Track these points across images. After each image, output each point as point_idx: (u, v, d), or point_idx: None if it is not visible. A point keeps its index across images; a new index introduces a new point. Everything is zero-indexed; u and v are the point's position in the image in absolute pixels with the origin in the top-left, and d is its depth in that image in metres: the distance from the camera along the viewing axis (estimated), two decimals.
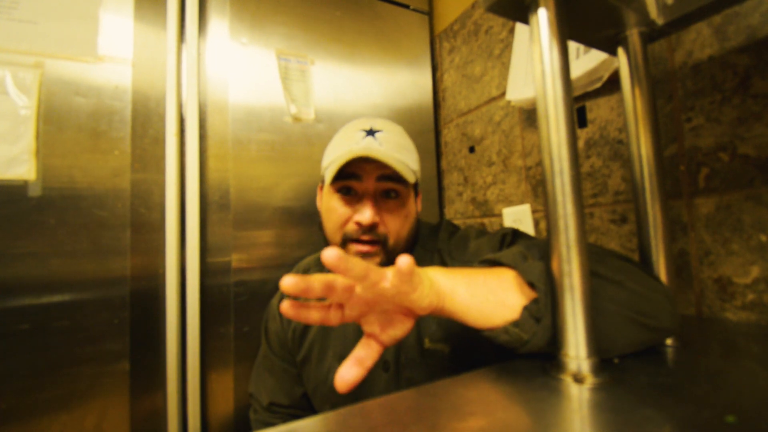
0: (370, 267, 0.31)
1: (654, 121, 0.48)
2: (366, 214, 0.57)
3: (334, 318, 0.34)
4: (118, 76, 0.76)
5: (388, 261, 0.60)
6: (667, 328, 0.41)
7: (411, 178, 0.59)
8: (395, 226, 0.60)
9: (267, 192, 0.89)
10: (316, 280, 0.30)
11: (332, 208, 0.61)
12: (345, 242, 0.60)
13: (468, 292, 0.38)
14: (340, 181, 0.60)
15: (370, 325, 0.37)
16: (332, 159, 0.61)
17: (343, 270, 0.29)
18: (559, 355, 0.36)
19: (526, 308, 0.37)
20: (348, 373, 0.34)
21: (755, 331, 0.49)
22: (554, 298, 0.36)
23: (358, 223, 0.58)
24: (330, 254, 0.28)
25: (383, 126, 0.64)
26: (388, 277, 0.32)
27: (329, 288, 0.31)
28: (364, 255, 0.59)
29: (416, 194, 0.68)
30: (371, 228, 0.58)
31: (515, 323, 0.37)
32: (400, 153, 0.61)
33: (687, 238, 0.59)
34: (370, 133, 0.61)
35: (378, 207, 0.59)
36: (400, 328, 0.37)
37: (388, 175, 0.59)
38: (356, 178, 0.59)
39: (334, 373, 0.64)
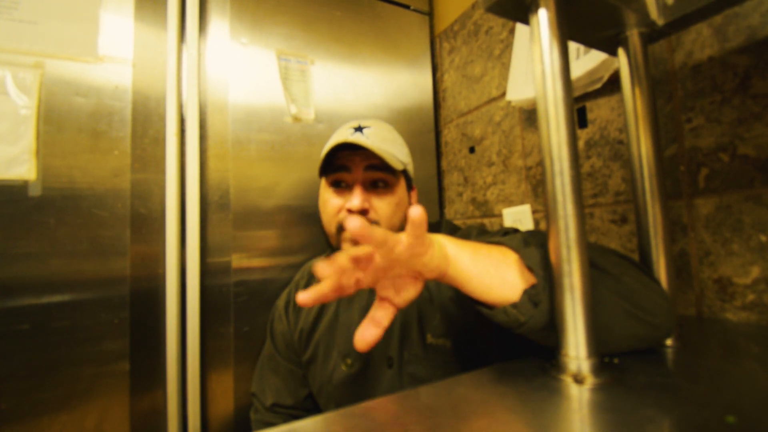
0: (387, 233, 0.33)
1: (654, 121, 0.48)
2: (355, 201, 0.62)
3: (348, 287, 0.35)
4: (118, 76, 0.76)
5: None
6: (664, 326, 0.41)
7: (398, 166, 0.64)
8: (386, 213, 0.64)
9: (267, 192, 0.89)
10: (343, 258, 0.33)
11: (326, 200, 0.66)
12: (339, 230, 0.64)
13: (471, 261, 0.39)
14: (331, 174, 0.65)
15: (385, 290, 0.38)
16: (322, 154, 0.66)
17: (367, 236, 0.31)
18: (559, 355, 0.36)
19: (526, 292, 0.38)
20: (367, 333, 0.36)
21: (755, 331, 0.49)
22: (552, 291, 0.37)
23: (349, 210, 0.62)
24: (354, 223, 0.30)
25: (371, 123, 0.68)
26: (403, 241, 0.34)
27: (356, 260, 0.34)
28: (357, 240, 0.61)
29: (409, 188, 0.71)
30: (361, 214, 0.62)
31: (514, 305, 0.38)
32: (386, 144, 0.65)
33: (687, 238, 0.59)
34: (358, 129, 0.66)
35: (368, 195, 0.64)
36: (412, 291, 0.38)
37: (376, 165, 0.64)
38: (346, 169, 0.64)
39: (338, 372, 0.65)
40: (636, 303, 0.38)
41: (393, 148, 0.65)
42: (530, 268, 0.39)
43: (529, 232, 0.46)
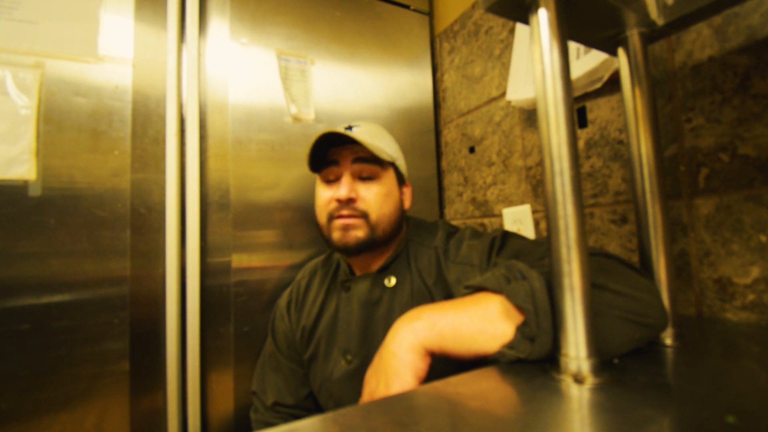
0: None
1: (654, 121, 0.48)
2: (342, 191, 0.64)
3: None
4: (118, 76, 0.76)
5: (373, 236, 0.65)
6: (659, 323, 0.41)
7: (384, 156, 0.66)
8: (375, 203, 0.66)
9: (267, 192, 0.88)
10: None
11: (318, 194, 0.70)
12: (330, 220, 0.66)
13: (455, 341, 0.40)
14: (323, 169, 0.69)
15: None
16: (309, 146, 0.68)
17: None
18: (559, 355, 0.36)
19: (518, 329, 0.38)
20: None
21: (755, 331, 0.49)
22: (553, 304, 0.36)
23: (338, 200, 0.65)
24: None
25: (361, 123, 0.71)
26: None
27: None
28: (346, 227, 0.64)
29: (401, 183, 0.73)
30: (349, 202, 0.65)
31: (510, 345, 0.38)
32: (373, 139, 0.67)
33: (687, 238, 0.59)
34: (348, 128, 0.68)
35: (355, 186, 0.66)
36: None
37: (363, 158, 0.66)
38: (335, 163, 0.67)
39: (339, 368, 0.65)
40: (626, 308, 0.38)
41: (380, 143, 0.68)
42: (518, 306, 0.39)
43: (507, 265, 0.44)
